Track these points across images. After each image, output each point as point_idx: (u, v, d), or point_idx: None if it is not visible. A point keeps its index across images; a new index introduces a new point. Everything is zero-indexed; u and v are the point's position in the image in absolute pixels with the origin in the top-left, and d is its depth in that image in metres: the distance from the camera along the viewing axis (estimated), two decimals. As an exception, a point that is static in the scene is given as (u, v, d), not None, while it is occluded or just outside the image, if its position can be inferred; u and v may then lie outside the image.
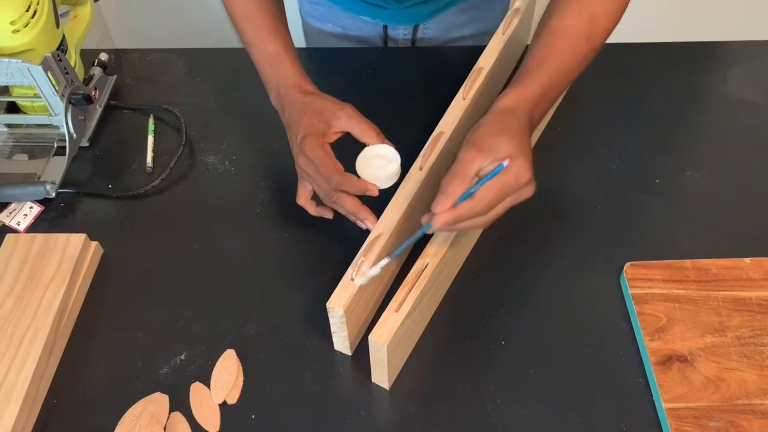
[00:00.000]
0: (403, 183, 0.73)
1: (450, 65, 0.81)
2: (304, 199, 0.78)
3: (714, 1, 1.60)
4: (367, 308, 0.71)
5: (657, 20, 1.54)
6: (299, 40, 1.13)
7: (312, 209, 0.78)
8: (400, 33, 1.06)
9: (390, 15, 1.02)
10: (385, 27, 1.05)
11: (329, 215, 0.78)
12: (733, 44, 1.00)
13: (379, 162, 0.72)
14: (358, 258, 0.67)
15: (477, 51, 0.86)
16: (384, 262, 0.66)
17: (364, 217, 0.71)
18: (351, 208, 0.71)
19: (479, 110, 0.87)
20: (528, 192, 0.65)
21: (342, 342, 0.70)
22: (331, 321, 0.67)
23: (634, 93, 0.94)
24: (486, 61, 0.83)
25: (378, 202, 0.71)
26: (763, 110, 0.91)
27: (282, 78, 0.77)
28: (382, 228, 0.69)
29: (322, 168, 0.70)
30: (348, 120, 0.72)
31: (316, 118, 0.73)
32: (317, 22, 1.10)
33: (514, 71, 0.95)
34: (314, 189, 0.75)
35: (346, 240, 0.79)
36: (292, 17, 1.17)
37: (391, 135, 0.89)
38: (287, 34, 0.80)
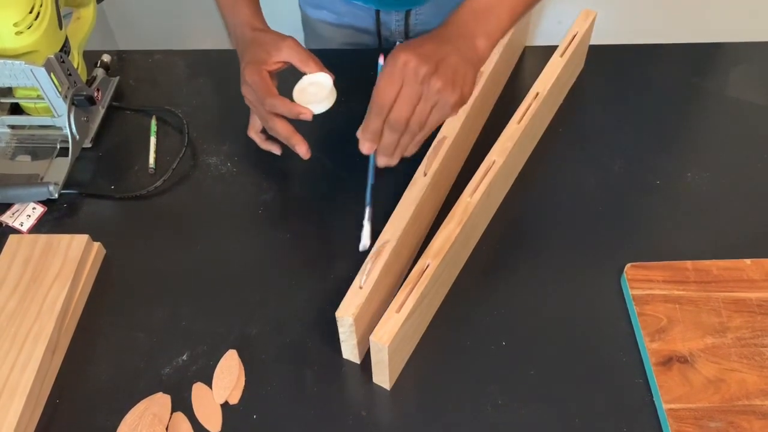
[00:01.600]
0: (408, 189, 0.73)
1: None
2: (253, 131, 0.83)
3: (715, 2, 1.60)
4: (375, 315, 0.71)
5: (658, 21, 1.54)
6: (297, 30, 1.14)
7: (260, 142, 0.83)
8: (393, 19, 1.06)
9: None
10: (378, 13, 1.06)
11: (277, 150, 0.83)
12: (734, 45, 1.00)
13: (315, 89, 0.76)
14: (366, 265, 0.67)
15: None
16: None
17: (295, 143, 0.76)
18: (283, 132, 0.76)
19: (480, 113, 0.87)
20: (435, 90, 0.63)
21: (351, 350, 0.70)
22: (341, 330, 0.67)
23: (635, 94, 0.94)
24: (486, 65, 0.84)
25: (384, 210, 0.72)
26: (765, 111, 0.91)
27: (237, 19, 0.82)
28: (389, 235, 0.69)
29: (258, 91, 0.75)
30: (288, 51, 0.77)
31: (259, 48, 0.77)
32: (314, 11, 1.11)
33: (512, 72, 0.96)
34: (263, 123, 0.79)
35: (348, 240, 0.80)
36: (291, 7, 1.18)
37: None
38: None
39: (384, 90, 0.63)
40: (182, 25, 1.75)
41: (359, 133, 0.66)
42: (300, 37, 1.19)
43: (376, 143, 0.66)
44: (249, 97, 0.78)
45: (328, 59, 1.02)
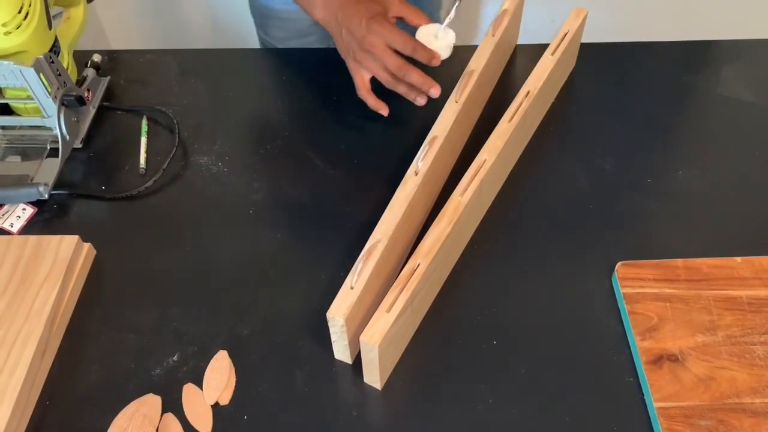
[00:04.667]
0: (399, 188, 0.73)
1: (440, 67, 0.82)
2: (365, 90, 0.84)
3: (705, 0, 1.60)
4: (366, 315, 0.71)
5: (649, 20, 1.55)
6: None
7: (372, 101, 0.84)
8: None
9: None
10: None
11: (385, 111, 0.85)
12: (725, 43, 1.00)
13: (433, 38, 0.82)
14: (357, 265, 0.67)
15: (467, 52, 0.86)
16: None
17: (429, 86, 0.79)
18: (419, 77, 0.79)
19: (471, 112, 0.87)
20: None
21: (342, 351, 0.70)
22: (332, 330, 0.67)
23: (626, 92, 0.94)
24: (477, 63, 0.84)
25: (376, 209, 0.72)
26: (756, 109, 0.91)
27: None
28: (380, 234, 0.69)
29: (396, 38, 0.77)
30: (400, 6, 0.82)
31: (373, 4, 0.80)
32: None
33: (504, 71, 0.96)
34: (376, 73, 0.81)
35: (339, 241, 0.80)
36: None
37: (384, 139, 0.90)
38: None
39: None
40: (176, 25, 1.75)
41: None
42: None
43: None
44: (376, 50, 0.79)
45: (320, 59, 1.02)
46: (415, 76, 0.79)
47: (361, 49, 0.80)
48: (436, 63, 0.80)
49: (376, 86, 0.84)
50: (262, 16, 1.14)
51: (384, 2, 0.81)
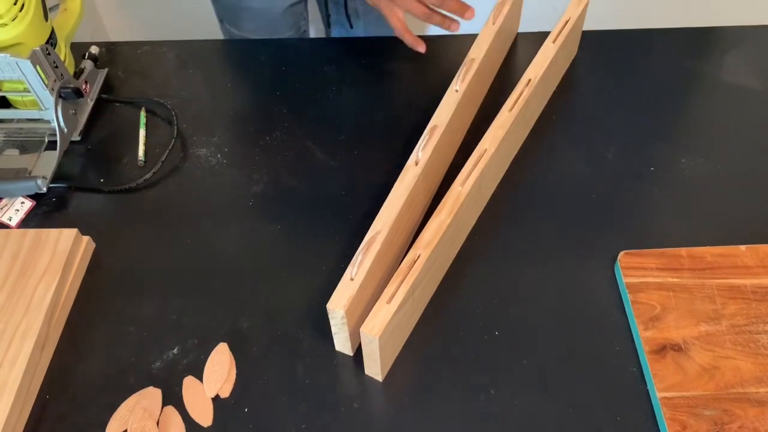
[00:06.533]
0: (399, 178, 0.72)
1: (440, 55, 0.81)
2: (403, 28, 0.86)
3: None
4: (367, 307, 0.70)
5: (651, 6, 1.53)
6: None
7: (410, 38, 0.86)
8: None
9: None
10: None
11: (423, 47, 0.87)
12: (728, 29, 0.99)
13: None
14: (357, 256, 0.66)
15: (467, 41, 0.85)
16: None
17: (465, 10, 0.82)
18: (456, 5, 0.82)
19: (472, 101, 0.86)
20: None
21: (343, 343, 0.69)
22: (332, 322, 0.66)
23: (628, 80, 0.93)
24: (477, 51, 0.83)
25: (376, 199, 0.71)
26: (759, 96, 0.90)
27: None
28: (380, 225, 0.69)
29: None
30: None
31: None
32: None
33: (506, 59, 0.95)
34: (411, 9, 0.83)
35: (339, 232, 0.79)
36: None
37: (384, 129, 0.89)
38: None
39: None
40: (176, 15, 1.74)
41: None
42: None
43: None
44: None
45: (320, 49, 1.01)
46: (452, 3, 0.82)
47: None
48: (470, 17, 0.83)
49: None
50: (231, 10, 1.13)
51: None
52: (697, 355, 0.67)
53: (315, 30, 1.29)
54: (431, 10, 0.83)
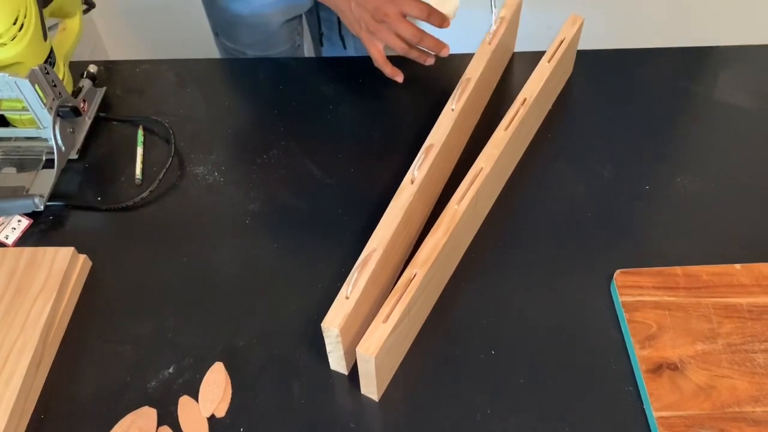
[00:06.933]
0: (395, 197, 0.72)
1: (436, 75, 0.82)
2: (382, 59, 0.87)
3: (704, 5, 1.60)
4: (362, 326, 0.70)
5: (646, 25, 1.55)
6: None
7: (389, 69, 0.87)
8: None
9: None
10: None
11: (400, 77, 0.88)
12: (723, 49, 1.00)
13: (441, 2, 0.87)
14: (352, 275, 0.67)
15: (463, 60, 0.86)
16: None
17: (441, 48, 0.85)
18: (433, 43, 0.84)
19: (468, 120, 0.87)
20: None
21: (338, 361, 0.69)
22: (327, 341, 0.66)
23: (624, 99, 0.94)
24: (473, 71, 0.83)
25: (372, 218, 0.71)
26: (754, 115, 0.91)
27: None
28: (376, 243, 0.69)
29: (410, 5, 0.81)
30: None
31: None
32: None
33: (501, 79, 0.96)
34: (390, 42, 0.85)
35: (335, 250, 0.79)
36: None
37: (380, 147, 0.89)
38: None
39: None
40: (175, 35, 1.74)
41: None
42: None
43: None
44: (391, 17, 0.81)
45: (312, 67, 1.02)
46: (430, 42, 0.83)
47: (375, 19, 0.83)
48: (446, 26, 0.84)
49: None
50: (227, 24, 1.14)
51: None
52: (693, 374, 0.67)
53: (307, 46, 1.29)
54: (410, 45, 0.85)
